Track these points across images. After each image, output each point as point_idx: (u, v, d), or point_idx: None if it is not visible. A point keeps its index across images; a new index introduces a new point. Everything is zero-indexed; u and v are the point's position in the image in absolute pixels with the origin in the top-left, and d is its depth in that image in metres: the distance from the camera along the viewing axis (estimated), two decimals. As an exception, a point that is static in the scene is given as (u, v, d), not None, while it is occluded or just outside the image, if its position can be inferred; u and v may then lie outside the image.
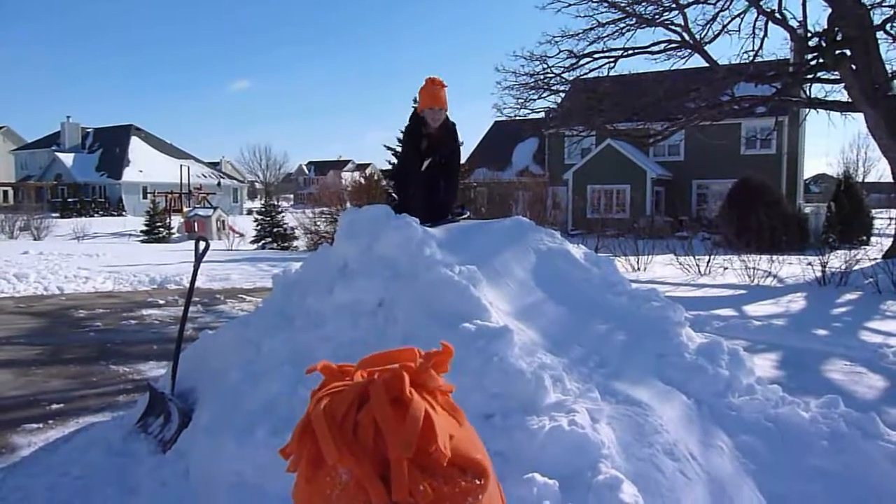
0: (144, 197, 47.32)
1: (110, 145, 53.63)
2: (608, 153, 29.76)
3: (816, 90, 17.15)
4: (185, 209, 39.72)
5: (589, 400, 3.23)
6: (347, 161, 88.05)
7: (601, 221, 21.57)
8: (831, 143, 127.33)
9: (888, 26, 14.63)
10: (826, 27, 14.95)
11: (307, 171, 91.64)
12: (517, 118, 21.44)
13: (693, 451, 3.13)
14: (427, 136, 5.00)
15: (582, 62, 17.77)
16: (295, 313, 4.20)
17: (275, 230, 27.20)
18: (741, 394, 3.68)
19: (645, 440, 3.06)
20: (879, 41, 14.60)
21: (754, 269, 12.09)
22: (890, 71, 14.65)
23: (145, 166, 52.04)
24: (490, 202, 24.98)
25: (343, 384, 0.65)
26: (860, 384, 5.82)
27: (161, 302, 10.18)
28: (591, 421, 3.01)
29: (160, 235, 30.17)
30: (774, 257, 12.80)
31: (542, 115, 20.77)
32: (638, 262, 13.94)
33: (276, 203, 32.05)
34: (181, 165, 49.42)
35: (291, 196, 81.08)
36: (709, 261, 13.25)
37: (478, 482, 0.63)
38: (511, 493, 2.50)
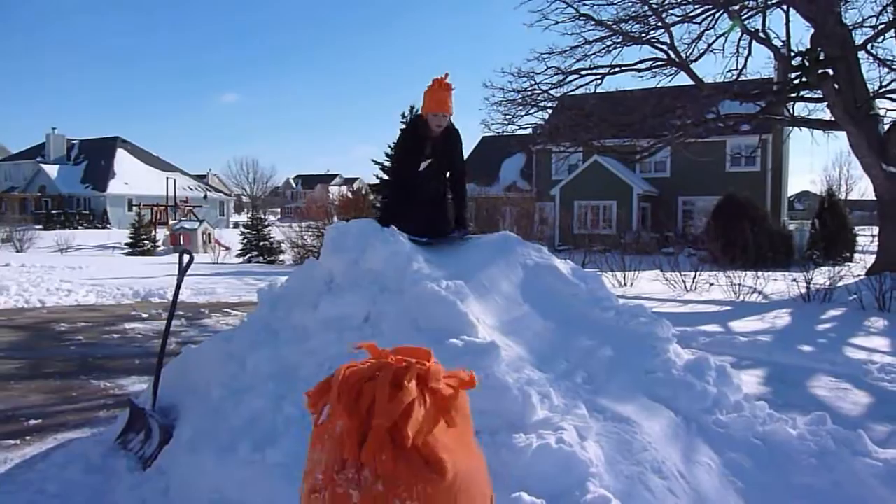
0: (130, 209, 47.03)
1: (96, 157, 53.28)
2: (595, 169, 29.96)
3: (800, 108, 17.36)
4: (170, 222, 39.46)
5: (576, 416, 3.20)
6: (335, 175, 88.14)
7: (588, 237, 21.66)
8: (815, 160, 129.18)
9: (869, 46, 14.88)
10: (809, 47, 15.15)
11: (294, 185, 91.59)
12: (504, 134, 21.51)
13: (681, 468, 3.10)
14: (429, 139, 4.77)
15: (569, 79, 17.88)
16: (280, 328, 4.16)
17: (261, 244, 27.07)
18: (729, 411, 3.67)
19: (633, 458, 3.03)
20: (861, 61, 14.82)
21: (740, 285, 12.14)
22: (872, 90, 14.87)
23: (131, 178, 51.70)
24: (477, 217, 24.98)
25: (372, 361, 0.77)
26: (846, 400, 5.83)
27: (144, 315, 10.06)
28: (578, 438, 2.98)
29: (145, 248, 29.94)
30: (759, 273, 12.87)
31: (529, 131, 20.86)
32: (624, 278, 13.97)
33: (262, 217, 31.93)
34: (167, 178, 49.21)
35: (278, 210, 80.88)
36: (695, 277, 13.30)
37: (434, 476, 0.70)
38: (498, 511, 2.46)
